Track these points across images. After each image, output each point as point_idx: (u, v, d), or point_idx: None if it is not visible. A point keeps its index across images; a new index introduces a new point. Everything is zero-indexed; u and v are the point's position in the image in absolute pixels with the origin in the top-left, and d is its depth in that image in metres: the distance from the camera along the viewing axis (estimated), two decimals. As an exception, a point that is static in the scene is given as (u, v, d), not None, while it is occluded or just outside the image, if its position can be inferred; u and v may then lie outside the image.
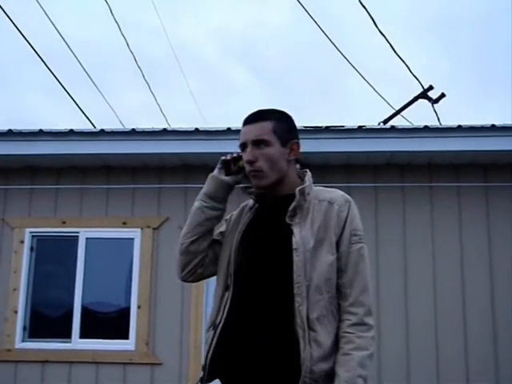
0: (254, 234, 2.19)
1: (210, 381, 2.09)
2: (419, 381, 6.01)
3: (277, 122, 2.21)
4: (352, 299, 2.08)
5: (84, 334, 6.42)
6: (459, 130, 6.14)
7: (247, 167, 2.18)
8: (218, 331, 2.10)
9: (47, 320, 6.73)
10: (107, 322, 6.67)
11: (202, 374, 2.13)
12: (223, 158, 2.29)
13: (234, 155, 2.28)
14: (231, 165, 2.28)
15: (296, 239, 2.07)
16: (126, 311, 6.44)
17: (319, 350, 2.00)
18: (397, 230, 6.34)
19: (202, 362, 2.14)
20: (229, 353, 2.06)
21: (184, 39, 35.08)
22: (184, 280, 2.31)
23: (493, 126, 6.13)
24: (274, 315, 2.04)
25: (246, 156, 2.18)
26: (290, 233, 2.09)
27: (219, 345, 2.09)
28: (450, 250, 6.27)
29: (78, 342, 6.40)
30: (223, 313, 2.11)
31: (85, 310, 6.48)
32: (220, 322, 2.10)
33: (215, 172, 2.29)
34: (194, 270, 2.27)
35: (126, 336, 6.36)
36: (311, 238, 2.09)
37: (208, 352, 2.12)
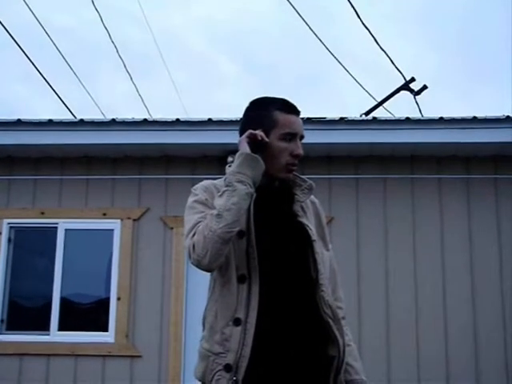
0: (268, 225, 2.06)
1: (251, 379, 1.92)
2: (400, 380, 6.00)
3: None
4: (336, 294, 2.16)
5: (63, 327, 6.35)
6: (441, 121, 6.15)
7: (291, 160, 2.08)
8: (249, 328, 1.93)
9: (25, 312, 6.65)
10: (86, 314, 6.61)
11: (228, 374, 1.91)
12: (253, 132, 2.02)
13: (262, 134, 2.04)
14: (256, 145, 2.01)
15: (312, 231, 2.09)
16: (105, 303, 6.38)
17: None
18: (378, 221, 6.33)
19: (228, 361, 1.92)
20: (279, 353, 1.96)
21: (170, 28, 34.85)
22: (209, 270, 2.01)
23: (474, 117, 6.13)
24: (312, 310, 2.02)
25: (299, 150, 2.08)
26: (302, 224, 2.09)
27: (261, 344, 1.93)
28: (430, 242, 6.27)
29: (56, 335, 6.33)
30: (247, 307, 1.95)
31: (63, 302, 6.41)
32: (248, 317, 1.94)
33: (250, 152, 2.01)
34: (223, 258, 1.99)
35: (105, 328, 6.30)
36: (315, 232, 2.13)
37: (240, 349, 1.92)
